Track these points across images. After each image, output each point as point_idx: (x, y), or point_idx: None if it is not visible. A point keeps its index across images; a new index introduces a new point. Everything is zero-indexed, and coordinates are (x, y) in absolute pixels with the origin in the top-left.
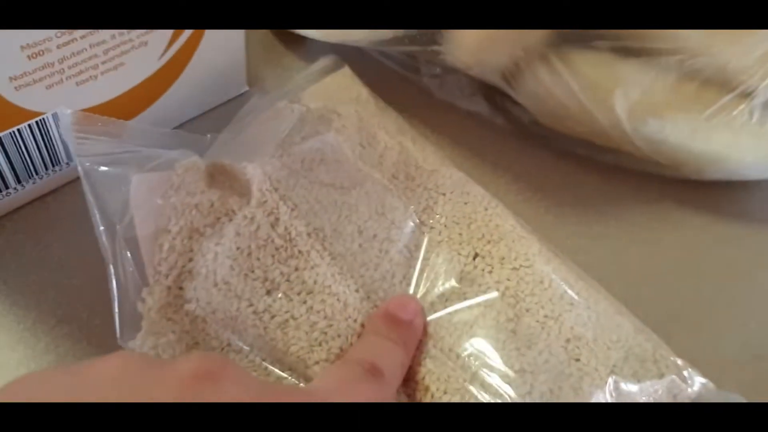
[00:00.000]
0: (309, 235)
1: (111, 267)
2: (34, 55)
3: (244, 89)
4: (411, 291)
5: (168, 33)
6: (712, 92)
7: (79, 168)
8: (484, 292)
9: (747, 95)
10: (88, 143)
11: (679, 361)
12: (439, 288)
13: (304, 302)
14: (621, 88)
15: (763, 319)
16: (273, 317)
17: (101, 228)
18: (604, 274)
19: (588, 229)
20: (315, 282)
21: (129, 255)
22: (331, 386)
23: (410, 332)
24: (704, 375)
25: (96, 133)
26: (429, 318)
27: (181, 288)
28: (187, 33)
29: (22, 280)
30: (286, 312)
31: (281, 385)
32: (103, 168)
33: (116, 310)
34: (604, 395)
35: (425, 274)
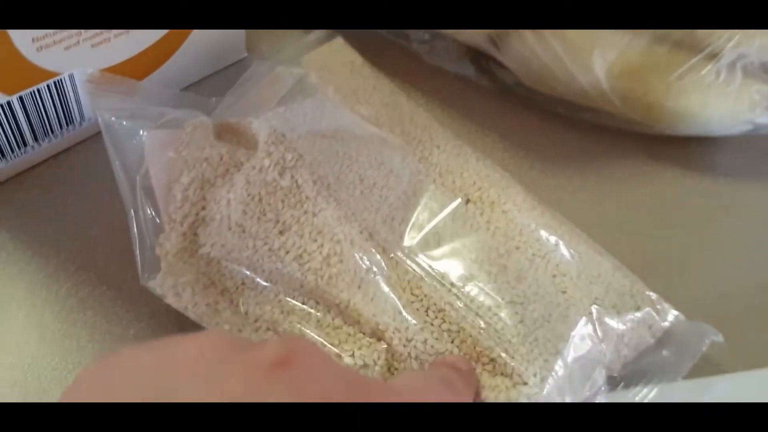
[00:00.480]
0: (314, 182)
1: (131, 212)
2: None
3: (243, 55)
4: (408, 230)
5: None
6: (682, 54)
7: (100, 120)
8: (476, 231)
9: (714, 56)
10: (105, 99)
11: (654, 296)
12: (434, 228)
13: (315, 240)
14: (599, 50)
15: (729, 262)
16: (287, 252)
17: (122, 175)
18: (584, 223)
19: (569, 182)
20: (324, 223)
21: (147, 202)
22: (416, 385)
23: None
24: (688, 303)
25: (112, 91)
26: (424, 253)
27: (195, 234)
28: None
29: (42, 231)
30: (299, 248)
31: (362, 378)
32: (120, 121)
33: (137, 252)
34: (589, 323)
35: (422, 216)
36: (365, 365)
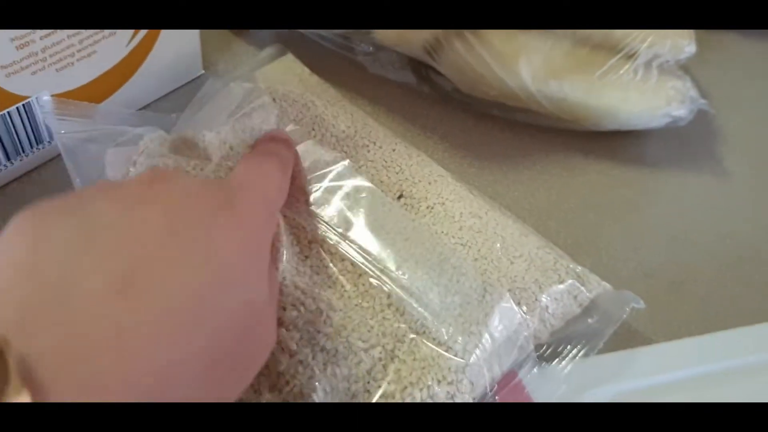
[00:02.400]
0: None
1: None
2: (21, 46)
3: (200, 73)
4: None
5: None
6: (601, 55)
7: (59, 143)
8: (407, 222)
9: (631, 56)
10: (65, 123)
11: (579, 269)
12: (368, 219)
13: None
14: (524, 56)
15: (652, 245)
16: None
17: None
18: (519, 213)
19: (504, 177)
20: None
21: None
22: (248, 169)
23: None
24: (622, 281)
25: (71, 115)
26: (358, 241)
27: None
28: None
29: None
30: None
31: (215, 181)
32: (79, 142)
33: None
34: (510, 299)
35: (355, 210)
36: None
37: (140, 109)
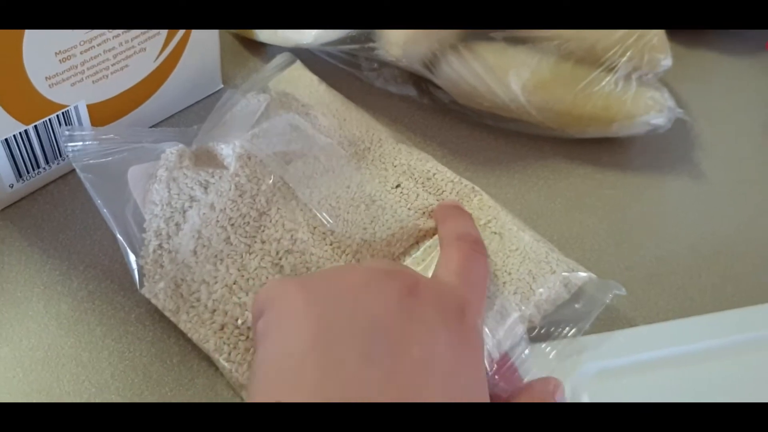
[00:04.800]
0: (276, 186)
1: (119, 236)
2: (64, 59)
3: (219, 86)
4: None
5: (161, 41)
6: (584, 69)
7: (80, 175)
8: (402, 212)
9: (611, 70)
10: (85, 147)
11: (569, 261)
12: (373, 206)
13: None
14: (514, 69)
15: (632, 242)
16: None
17: (104, 211)
18: (511, 212)
19: (497, 180)
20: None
21: (134, 226)
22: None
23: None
24: (605, 274)
25: (90, 139)
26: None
27: (162, 246)
28: (175, 40)
29: (55, 238)
30: (268, 235)
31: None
32: (99, 165)
33: (132, 267)
34: (506, 289)
35: (358, 195)
36: None
37: (165, 120)
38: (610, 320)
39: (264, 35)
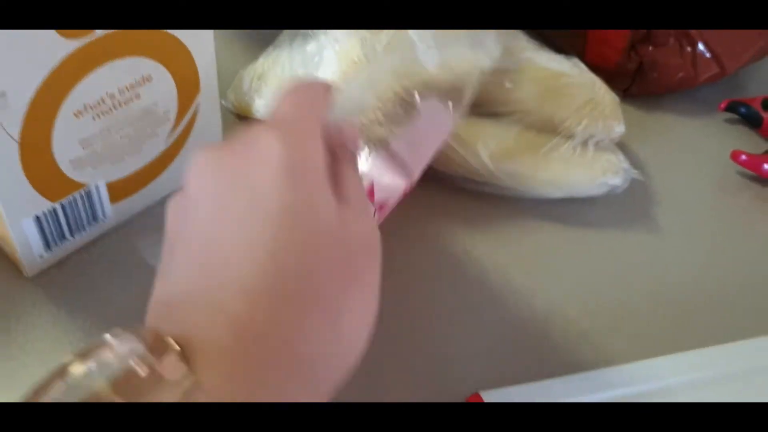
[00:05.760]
0: None
1: None
2: (86, 146)
3: None
4: None
5: (169, 126)
6: (545, 136)
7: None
8: None
9: (569, 137)
10: None
11: None
12: None
13: None
14: (482, 140)
15: (596, 290)
16: None
17: None
18: (483, 265)
19: (472, 239)
20: None
21: None
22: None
23: None
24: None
25: None
26: None
27: None
28: (182, 125)
29: (78, 300)
30: None
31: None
32: None
33: None
34: None
35: None
36: None
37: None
38: (574, 363)
39: (261, 114)
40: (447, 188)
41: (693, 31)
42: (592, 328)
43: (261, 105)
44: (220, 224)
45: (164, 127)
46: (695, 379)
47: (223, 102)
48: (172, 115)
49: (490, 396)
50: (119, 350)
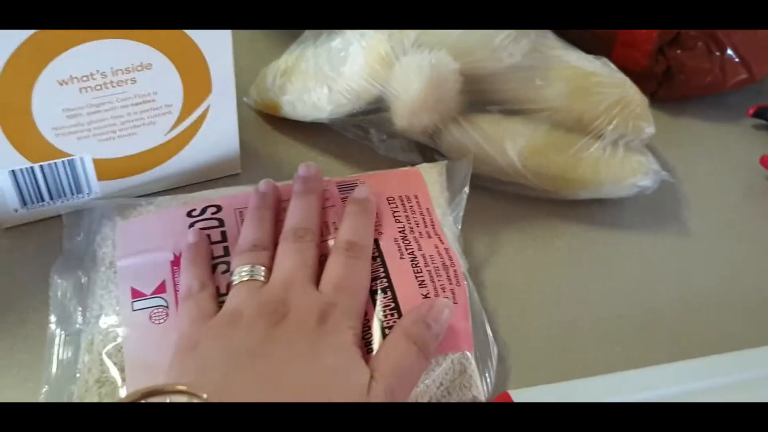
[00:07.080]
0: None
1: None
2: (71, 116)
3: (238, 171)
4: None
5: (172, 118)
6: (574, 136)
7: None
8: None
9: (599, 137)
10: None
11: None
12: None
13: None
14: (510, 138)
15: (623, 292)
16: None
17: None
18: (509, 268)
19: (497, 239)
20: None
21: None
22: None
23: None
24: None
25: None
26: None
27: None
28: (188, 121)
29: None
30: None
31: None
32: None
33: None
34: None
35: None
36: None
37: (179, 188)
38: (603, 365)
39: (284, 110)
40: (473, 187)
41: (722, 36)
42: (620, 329)
43: (286, 102)
44: None
45: (165, 119)
46: (724, 383)
47: (245, 99)
48: (176, 110)
49: (519, 395)
50: None
